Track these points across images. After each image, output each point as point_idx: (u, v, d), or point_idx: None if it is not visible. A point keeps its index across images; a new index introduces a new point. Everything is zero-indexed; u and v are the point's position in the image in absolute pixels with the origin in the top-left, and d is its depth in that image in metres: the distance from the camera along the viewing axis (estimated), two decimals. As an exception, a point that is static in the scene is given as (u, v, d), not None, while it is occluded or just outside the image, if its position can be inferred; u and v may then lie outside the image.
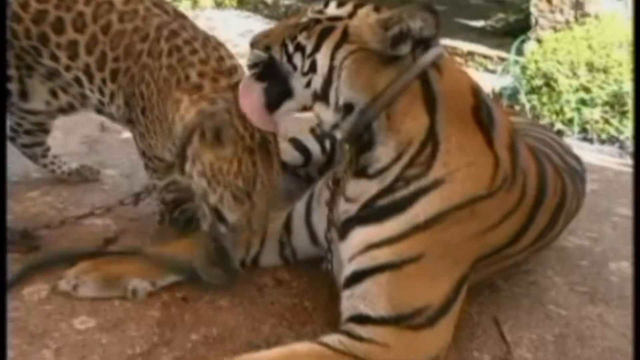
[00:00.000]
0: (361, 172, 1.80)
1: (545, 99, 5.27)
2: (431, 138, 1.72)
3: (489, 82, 5.69)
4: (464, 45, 6.42)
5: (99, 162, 2.95)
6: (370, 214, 1.77)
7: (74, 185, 2.86)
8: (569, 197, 2.09)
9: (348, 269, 1.80)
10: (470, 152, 1.74)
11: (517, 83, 5.53)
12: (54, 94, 2.44)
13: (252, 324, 2.03)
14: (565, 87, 5.18)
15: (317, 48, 1.77)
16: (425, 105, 1.72)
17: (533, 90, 5.39)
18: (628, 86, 4.98)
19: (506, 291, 2.23)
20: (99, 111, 2.45)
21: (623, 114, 5.06)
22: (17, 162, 2.86)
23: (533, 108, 5.24)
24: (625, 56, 5.17)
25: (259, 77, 1.90)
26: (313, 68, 1.77)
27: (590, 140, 5.00)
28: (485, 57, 6.36)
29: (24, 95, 2.44)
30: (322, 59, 1.76)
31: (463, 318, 2.02)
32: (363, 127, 1.74)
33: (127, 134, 3.45)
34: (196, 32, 2.24)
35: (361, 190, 1.80)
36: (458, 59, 6.29)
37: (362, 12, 1.80)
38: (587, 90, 5.14)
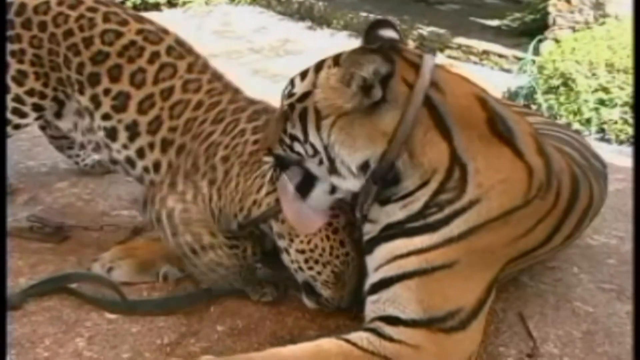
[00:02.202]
0: (385, 199, 1.78)
1: (562, 98, 5.23)
2: (457, 162, 1.68)
3: (504, 82, 5.68)
4: (480, 45, 6.38)
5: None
6: (397, 232, 1.75)
7: (100, 177, 2.91)
8: (596, 196, 2.08)
9: (374, 277, 1.77)
10: (501, 168, 1.71)
11: (533, 83, 5.50)
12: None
13: (276, 317, 2.06)
14: (583, 87, 5.14)
15: (306, 134, 1.77)
16: (440, 133, 1.68)
17: (550, 90, 5.35)
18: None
19: (532, 288, 2.23)
20: (113, 162, 2.41)
21: (642, 114, 5.01)
22: (45, 153, 2.90)
23: (550, 108, 5.21)
24: (645, 57, 5.13)
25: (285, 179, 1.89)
26: (315, 150, 1.76)
27: (609, 141, 4.97)
28: (500, 56, 6.32)
29: (57, 115, 2.47)
30: (315, 141, 1.75)
31: (488, 314, 2.02)
32: (386, 170, 1.69)
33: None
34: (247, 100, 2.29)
35: (384, 212, 1.78)
36: (473, 58, 6.28)
37: (322, 78, 1.75)
38: (606, 90, 5.10)
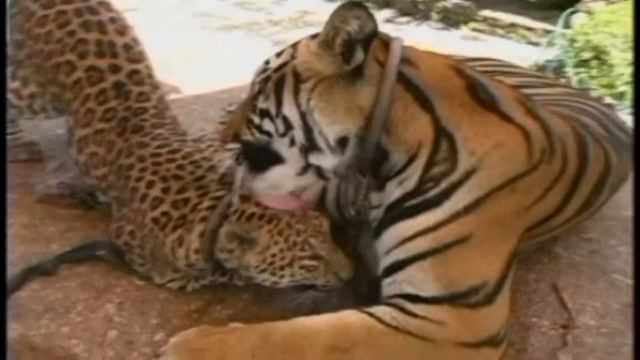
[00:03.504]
0: (381, 183, 1.75)
1: (594, 72, 5.13)
2: (442, 133, 1.66)
3: (532, 55, 5.58)
4: (506, 17, 6.25)
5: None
6: (400, 213, 1.72)
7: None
8: (614, 165, 2.02)
9: (386, 261, 1.76)
10: (490, 133, 1.68)
11: (563, 55, 5.40)
12: None
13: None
14: (618, 60, 5.03)
15: (279, 103, 1.70)
16: (420, 105, 1.66)
17: (581, 63, 5.24)
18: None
19: (566, 259, 2.19)
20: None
21: (677, 91, 4.90)
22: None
23: (581, 81, 5.11)
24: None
25: (249, 167, 1.83)
26: (288, 125, 1.70)
27: (642, 114, 4.88)
28: (529, 29, 6.18)
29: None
30: (290, 110, 1.69)
31: (520, 283, 2.02)
32: (371, 152, 1.66)
33: (174, 95, 3.48)
34: None
35: (385, 194, 1.76)
36: (499, 31, 6.16)
37: (301, 46, 1.73)
38: (641, 64, 4.99)
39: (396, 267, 1.72)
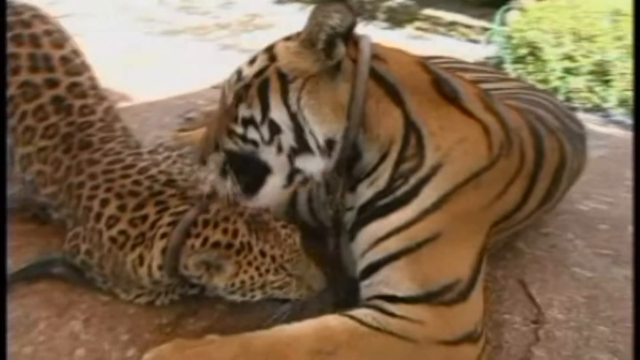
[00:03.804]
0: (353, 184, 1.76)
1: (531, 67, 5.29)
2: (411, 128, 1.68)
3: (472, 53, 5.69)
4: (447, 15, 6.38)
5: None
6: (372, 213, 1.73)
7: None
8: (569, 156, 2.08)
9: (362, 264, 1.76)
10: (454, 127, 1.70)
11: (502, 52, 5.53)
12: None
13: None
14: (550, 56, 5.20)
15: (265, 108, 1.67)
16: (391, 100, 1.68)
17: (518, 60, 5.40)
18: (612, 55, 5.02)
19: (529, 254, 2.25)
20: None
21: (607, 82, 5.10)
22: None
23: (519, 77, 5.25)
24: (609, 25, 5.19)
25: (240, 185, 1.77)
26: (275, 129, 1.67)
27: (575, 109, 5.03)
28: (467, 27, 6.34)
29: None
30: (278, 113, 1.66)
31: (488, 281, 2.05)
32: (349, 150, 1.67)
33: (124, 103, 3.41)
34: None
35: (357, 195, 1.77)
36: (441, 29, 6.27)
37: (279, 49, 1.71)
38: (572, 59, 5.17)
39: (372, 268, 1.72)
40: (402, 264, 1.67)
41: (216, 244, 1.73)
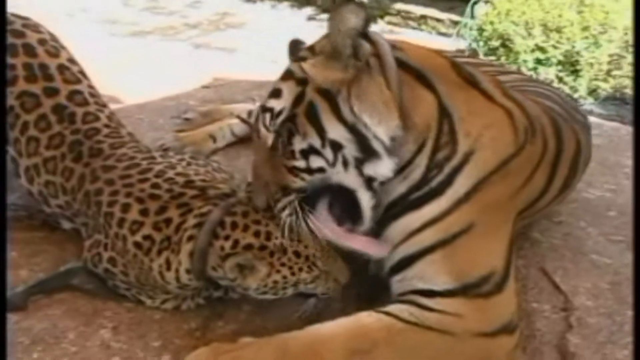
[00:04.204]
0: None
1: (503, 59, 5.38)
2: (444, 114, 1.65)
3: (444, 46, 5.74)
4: (417, 10, 6.42)
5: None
6: (404, 207, 1.69)
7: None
8: (583, 145, 2.11)
9: (393, 258, 1.72)
10: (480, 112, 1.69)
11: (474, 44, 5.60)
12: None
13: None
14: (522, 48, 5.30)
15: (322, 131, 1.61)
16: (422, 84, 1.65)
17: (491, 52, 5.48)
18: (580, 45, 5.14)
19: (545, 243, 2.26)
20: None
21: (576, 72, 5.22)
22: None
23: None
24: (575, 16, 5.31)
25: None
26: (336, 147, 1.61)
27: (547, 99, 5.14)
28: (437, 20, 6.41)
29: None
30: (336, 131, 1.60)
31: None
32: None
33: (114, 105, 3.31)
34: None
35: (383, 192, 1.69)
36: (412, 23, 6.31)
37: (307, 70, 1.65)
38: (542, 50, 5.27)
39: (405, 263, 1.70)
40: (437, 257, 1.66)
41: (249, 246, 1.70)
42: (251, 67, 3.99)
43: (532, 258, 2.17)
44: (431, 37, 6.16)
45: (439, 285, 1.66)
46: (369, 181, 1.64)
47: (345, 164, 1.62)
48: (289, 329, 1.68)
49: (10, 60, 2.04)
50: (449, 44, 5.74)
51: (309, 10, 6.32)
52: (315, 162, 1.63)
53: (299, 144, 1.63)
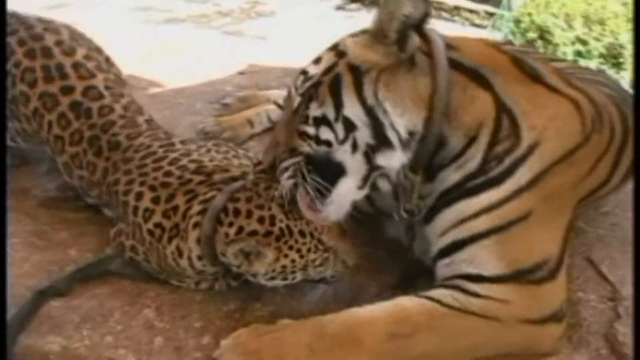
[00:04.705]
0: (431, 173, 1.69)
1: (540, 51, 5.29)
2: (503, 110, 1.63)
3: (479, 37, 5.67)
4: (450, 0, 6.34)
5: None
6: (459, 194, 1.67)
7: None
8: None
9: (442, 242, 1.71)
10: (545, 105, 1.66)
11: (511, 36, 5.53)
12: None
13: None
14: (561, 40, 5.20)
15: (339, 105, 1.59)
16: (478, 84, 1.63)
17: (528, 44, 5.39)
18: (624, 38, 5.04)
19: (591, 233, 2.23)
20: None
21: (619, 65, 5.12)
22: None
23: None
24: (620, 8, 5.21)
25: (304, 181, 1.65)
26: (350, 126, 1.59)
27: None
28: (471, 11, 6.32)
29: None
30: (352, 109, 1.58)
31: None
32: (432, 145, 1.62)
33: (153, 90, 3.35)
34: None
35: (437, 181, 1.70)
36: (444, 15, 6.25)
37: (348, 45, 1.64)
38: (583, 42, 5.17)
39: (455, 247, 1.68)
40: (490, 243, 1.64)
41: (253, 233, 1.68)
42: (282, 55, 3.98)
43: (578, 247, 2.13)
44: (465, 29, 6.06)
45: (488, 270, 1.65)
46: (371, 170, 1.63)
47: (355, 146, 1.61)
48: (324, 312, 1.69)
49: (29, 63, 2.12)
50: (484, 36, 5.65)
51: (337, 0, 6.29)
52: (325, 133, 1.62)
53: (314, 110, 1.63)
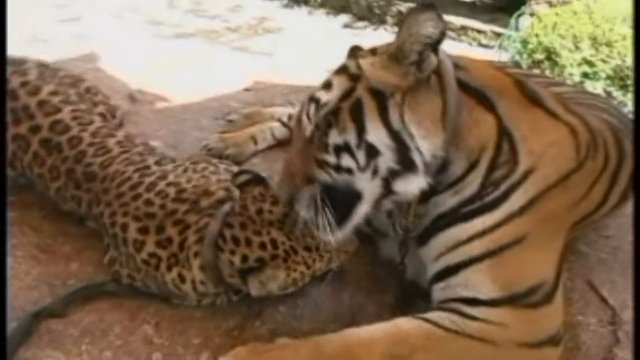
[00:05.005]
0: (428, 194, 1.66)
1: (547, 73, 5.29)
2: (504, 134, 1.62)
3: (486, 57, 5.68)
4: (457, 20, 6.36)
5: (140, 134, 2.82)
6: (453, 219, 1.67)
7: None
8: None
9: (436, 266, 1.70)
10: (544, 130, 1.65)
11: (517, 57, 5.54)
12: None
13: (332, 294, 1.99)
14: (568, 61, 5.21)
15: (361, 131, 1.56)
16: (484, 107, 1.62)
17: (534, 65, 5.40)
18: (631, 60, 5.04)
19: (592, 256, 2.22)
20: None
21: (626, 87, 5.11)
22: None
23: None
24: (628, 30, 5.22)
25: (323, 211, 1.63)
26: (373, 152, 1.57)
27: (594, 114, 5.04)
28: (479, 31, 6.34)
29: None
30: (377, 135, 1.56)
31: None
32: (437, 166, 1.60)
33: (160, 105, 3.37)
34: None
35: (432, 205, 1.70)
36: (451, 34, 6.26)
37: (364, 68, 1.60)
38: (590, 64, 5.18)
39: (449, 271, 1.68)
40: (484, 267, 1.63)
41: (260, 260, 1.70)
42: (288, 72, 4.01)
43: (579, 270, 2.13)
44: (472, 49, 6.08)
45: (483, 293, 1.63)
46: (384, 196, 1.63)
47: (375, 173, 1.59)
48: (324, 331, 1.69)
49: None
50: (491, 56, 5.67)
51: (344, 18, 6.31)
52: (346, 161, 1.60)
53: (334, 138, 1.61)
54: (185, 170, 2.02)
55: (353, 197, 1.63)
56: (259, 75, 4.05)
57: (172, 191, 1.88)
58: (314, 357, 1.58)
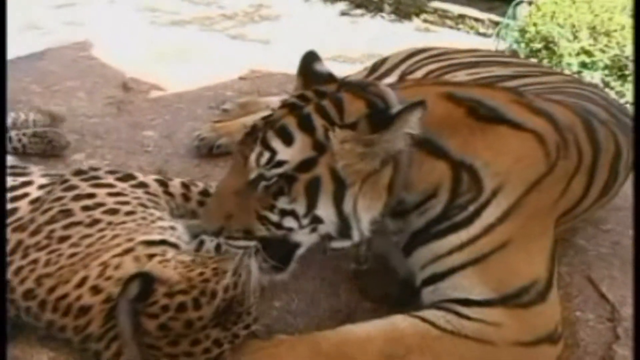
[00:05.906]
0: (397, 212, 1.69)
1: (545, 61, 5.27)
2: (461, 168, 1.63)
3: (483, 46, 5.64)
4: (455, 8, 6.32)
5: (134, 124, 2.79)
6: (427, 237, 1.68)
7: (116, 148, 2.72)
8: (624, 147, 2.02)
9: (424, 273, 1.72)
10: (508, 149, 1.65)
11: (515, 46, 5.51)
12: None
13: (329, 290, 1.99)
14: (566, 50, 5.18)
15: (312, 206, 1.59)
16: (434, 156, 1.63)
17: (532, 54, 5.37)
18: (630, 50, 5.01)
19: (592, 251, 2.20)
20: None
21: (624, 77, 5.09)
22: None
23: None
24: (627, 20, 5.19)
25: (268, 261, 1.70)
26: (317, 221, 1.61)
27: (592, 103, 5.02)
28: (476, 20, 6.29)
29: None
30: (326, 212, 1.60)
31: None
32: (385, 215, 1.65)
33: (155, 94, 3.34)
34: None
35: (406, 222, 1.72)
36: (449, 22, 6.22)
37: (335, 143, 1.56)
38: (588, 53, 5.15)
39: (436, 278, 1.68)
40: (469, 273, 1.64)
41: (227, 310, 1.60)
42: (285, 60, 3.98)
43: (577, 266, 2.12)
44: (469, 37, 6.03)
45: (475, 295, 1.64)
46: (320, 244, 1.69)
47: (314, 230, 1.64)
48: (319, 328, 1.70)
49: None
50: (489, 45, 5.63)
51: (341, 5, 6.26)
52: (289, 223, 1.63)
53: (283, 204, 1.61)
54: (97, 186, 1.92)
55: (292, 247, 1.70)
56: (255, 63, 4.02)
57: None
58: (310, 355, 1.58)
